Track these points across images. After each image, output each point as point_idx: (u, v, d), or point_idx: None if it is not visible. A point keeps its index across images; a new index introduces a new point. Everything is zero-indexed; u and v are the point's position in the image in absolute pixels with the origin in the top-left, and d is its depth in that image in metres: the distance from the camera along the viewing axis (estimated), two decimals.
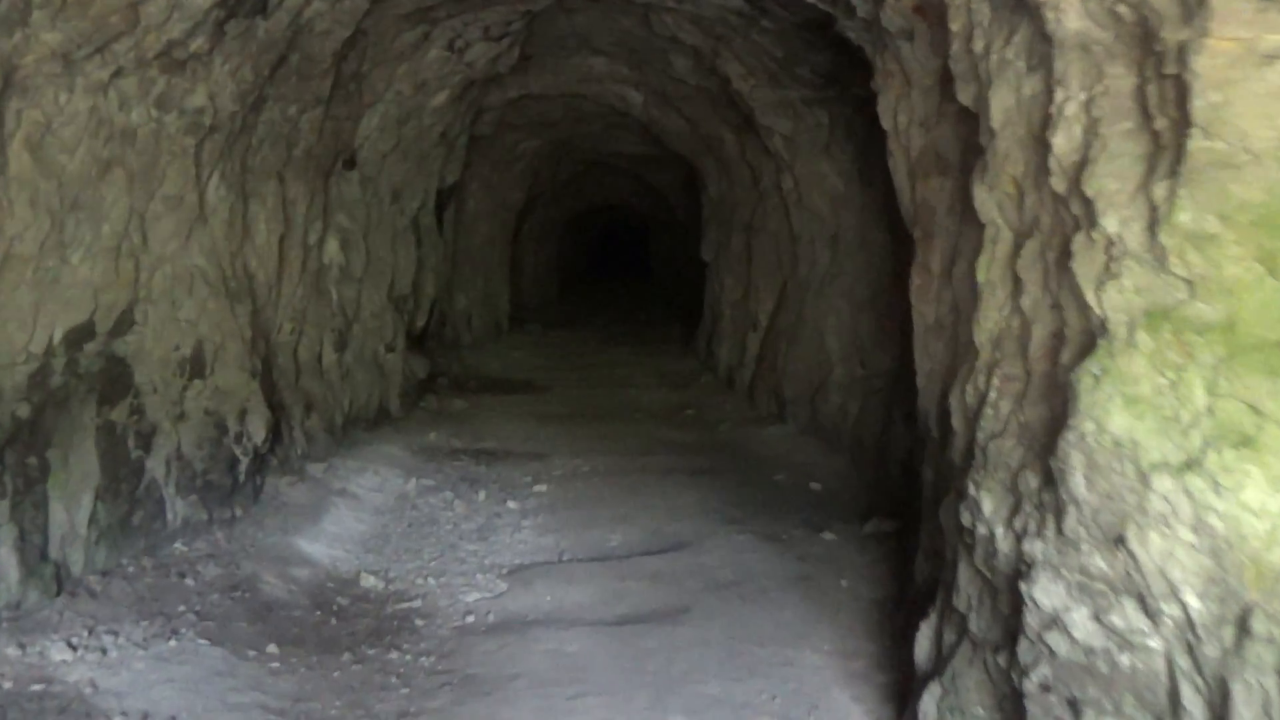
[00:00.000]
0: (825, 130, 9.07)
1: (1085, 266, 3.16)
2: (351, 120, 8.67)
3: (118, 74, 5.37)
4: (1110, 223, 3.05)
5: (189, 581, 5.89)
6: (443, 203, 13.49)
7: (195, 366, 6.45)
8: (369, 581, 6.31)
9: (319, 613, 5.86)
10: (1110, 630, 3.04)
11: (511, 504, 8.01)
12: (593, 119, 16.31)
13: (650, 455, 9.74)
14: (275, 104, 7.13)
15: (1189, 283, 2.83)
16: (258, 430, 6.94)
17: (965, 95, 4.25)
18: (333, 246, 8.92)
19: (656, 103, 13.85)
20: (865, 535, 7.16)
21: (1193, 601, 2.73)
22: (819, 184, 9.58)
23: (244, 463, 6.88)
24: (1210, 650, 2.69)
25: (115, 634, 5.14)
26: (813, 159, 9.48)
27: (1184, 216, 2.82)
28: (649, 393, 13.58)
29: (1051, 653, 3.19)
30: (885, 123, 5.68)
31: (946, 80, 5.03)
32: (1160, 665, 2.86)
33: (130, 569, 5.88)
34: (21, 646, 4.83)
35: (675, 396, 13.28)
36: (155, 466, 6.20)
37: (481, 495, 8.20)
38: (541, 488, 8.51)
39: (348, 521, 7.36)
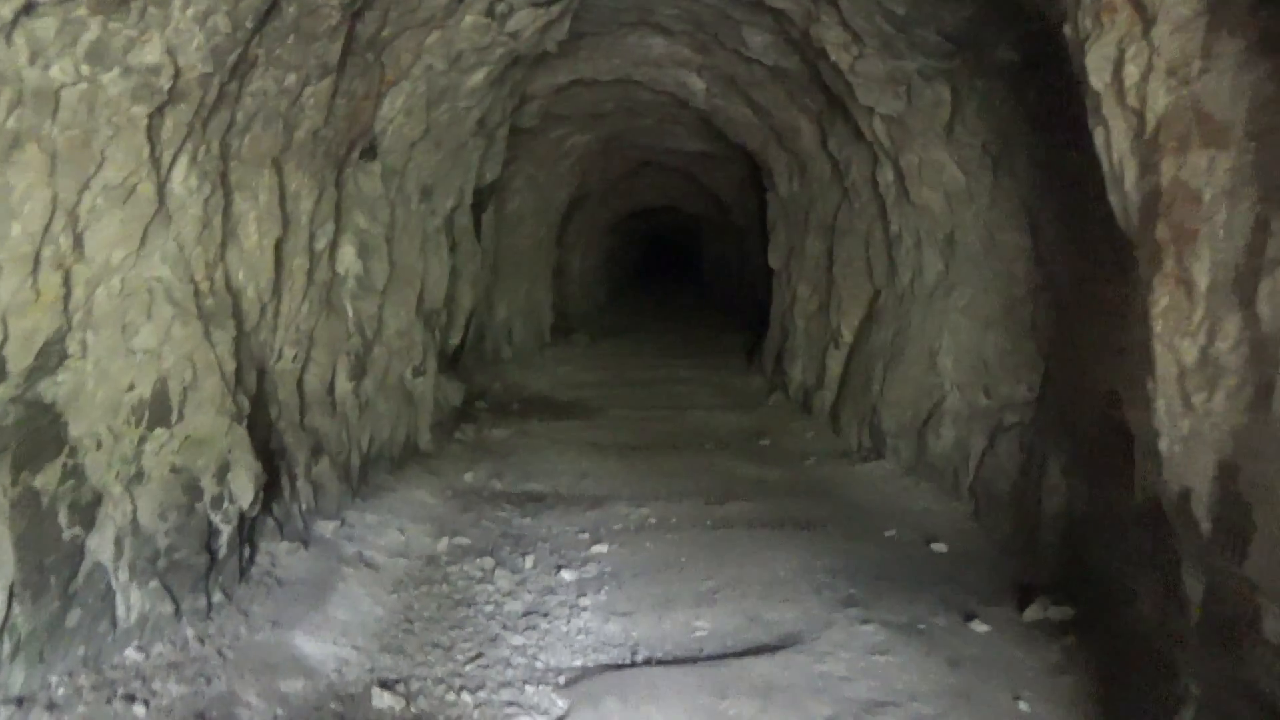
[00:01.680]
0: (947, 109, 7.42)
1: None
2: (370, 99, 7.11)
3: (27, 11, 3.82)
4: None
5: (138, 709, 4.33)
6: (481, 202, 11.96)
7: (157, 411, 4.89)
8: (383, 700, 4.70)
9: None
10: None
11: (566, 574, 6.41)
12: (648, 110, 14.75)
13: (728, 501, 8.12)
14: (268, 70, 5.56)
15: None
16: (243, 489, 5.36)
17: None
18: (348, 253, 7.36)
19: (721, 89, 12.26)
20: (1028, 624, 5.53)
21: None
22: (933, 175, 7.93)
23: (225, 533, 5.31)
24: None
25: None
26: (927, 145, 7.83)
27: None
28: (714, 416, 11.97)
29: None
30: (1096, 79, 4.05)
31: (1224, 3, 3.42)
32: None
33: (60, 691, 4.32)
34: None
35: (745, 421, 11.67)
36: (100, 547, 4.64)
37: (529, 562, 6.60)
38: (601, 548, 6.91)
39: (361, 603, 5.78)
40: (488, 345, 15.07)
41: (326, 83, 6.13)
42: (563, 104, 13.51)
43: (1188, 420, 3.55)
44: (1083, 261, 6.10)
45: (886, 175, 8.92)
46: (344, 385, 7.33)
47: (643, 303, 27.07)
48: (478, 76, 8.36)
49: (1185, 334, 3.55)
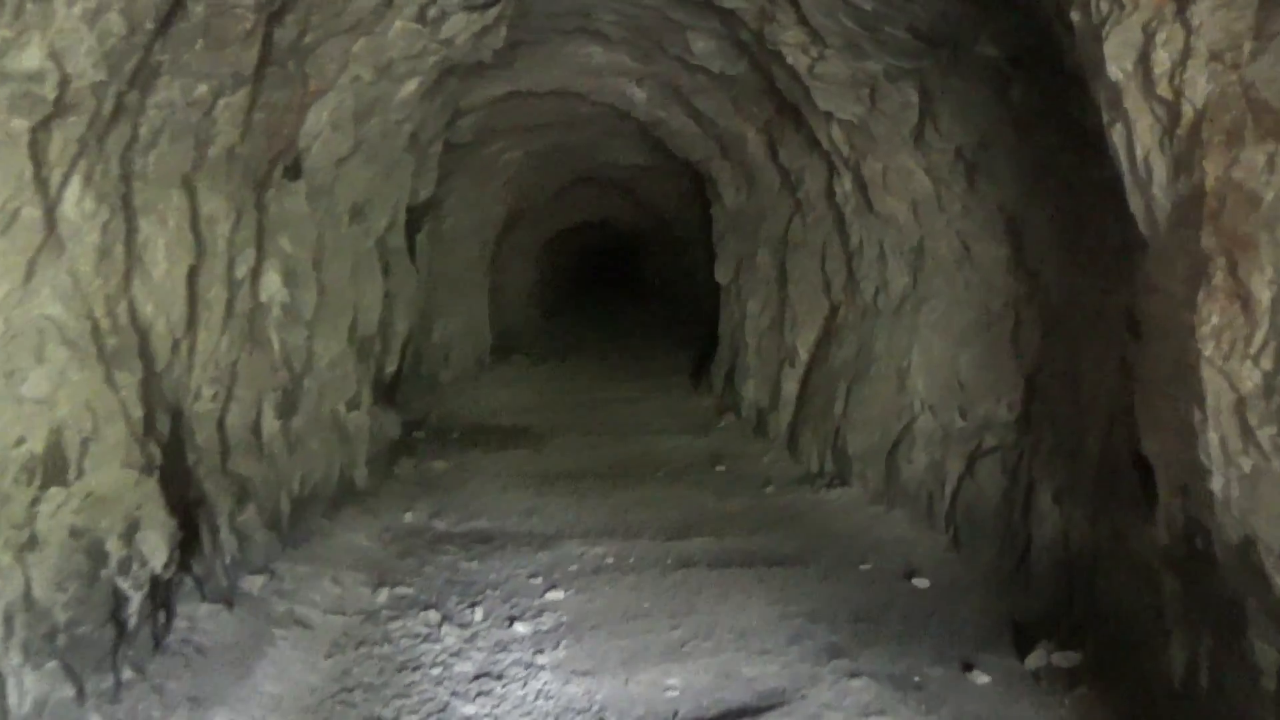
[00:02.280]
0: (915, 112, 6.94)
1: None
2: (293, 112, 6.52)
3: None
4: None
5: None
6: (415, 221, 11.38)
7: (51, 468, 4.28)
8: None
9: None
10: None
11: (520, 627, 5.83)
12: (588, 123, 14.22)
13: (690, 535, 7.60)
14: (175, 79, 4.97)
15: None
16: (156, 549, 4.75)
17: None
18: (272, 280, 6.76)
19: (663, 99, 11.76)
20: (1032, 673, 5.04)
21: None
22: (899, 183, 7.47)
23: (134, 600, 4.69)
24: None
25: None
26: (892, 151, 7.36)
27: None
28: (666, 440, 11.42)
29: None
30: (1115, 68, 3.57)
31: None
32: None
33: None
34: None
35: (698, 445, 11.13)
36: None
37: (478, 613, 6.02)
38: (557, 595, 6.35)
39: (293, 669, 5.18)
40: (425, 370, 14.48)
41: (242, 94, 5.54)
42: (499, 117, 12.96)
43: (1250, 458, 3.07)
44: (1076, 271, 5.65)
45: (845, 185, 8.45)
46: (271, 424, 6.72)
47: (583, 320, 26.46)
48: (410, 87, 7.79)
49: (1244, 357, 3.07)
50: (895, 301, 8.02)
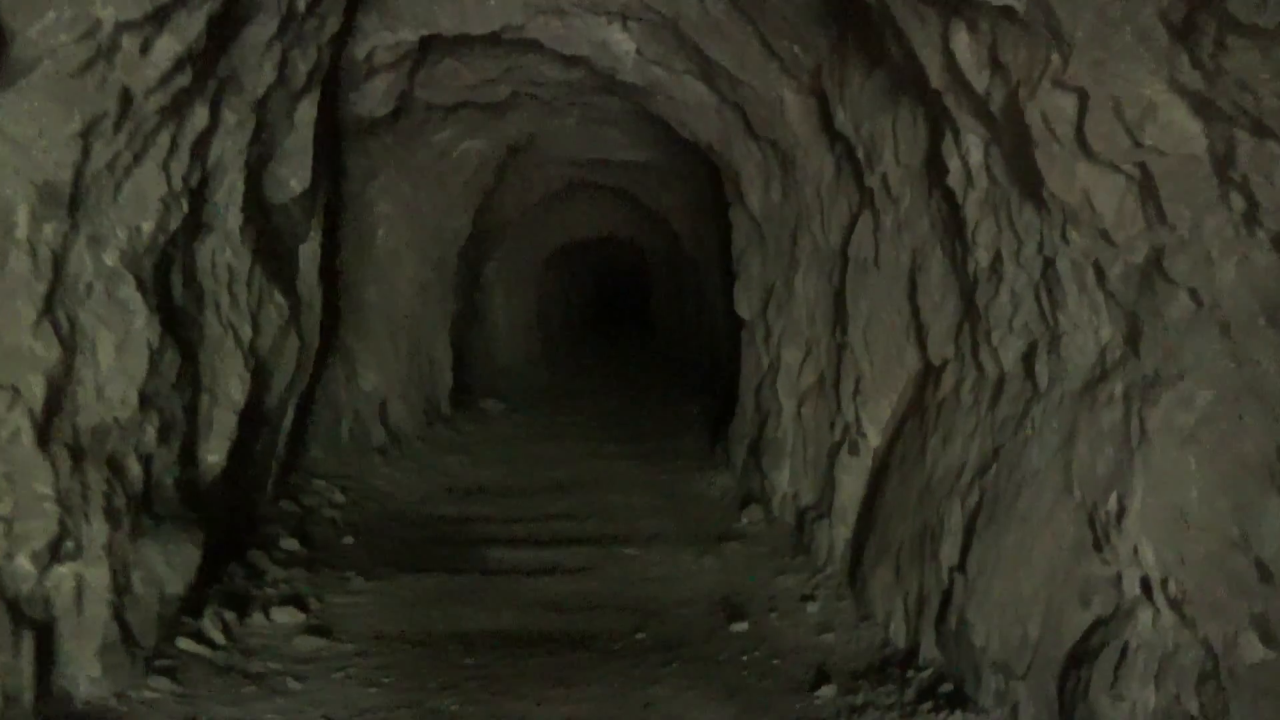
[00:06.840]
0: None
1: None
2: None
3: None
4: None
5: None
6: (292, 228, 7.63)
7: None
8: None
9: None
10: None
11: None
12: (562, 100, 10.49)
13: None
14: None
15: None
16: None
17: None
18: None
19: (661, 48, 7.95)
20: None
21: None
22: (1115, 135, 3.53)
23: None
24: None
25: None
26: (1104, 64, 3.39)
27: None
28: (658, 557, 7.57)
29: None
30: None
31: None
32: None
33: None
34: None
35: (705, 568, 7.26)
36: None
37: None
38: None
39: None
40: (346, 431, 10.63)
41: None
42: (432, 85, 9.23)
43: None
44: None
45: (970, 152, 4.58)
46: None
47: (583, 354, 22.77)
48: None
49: None
50: (1081, 373, 4.13)
